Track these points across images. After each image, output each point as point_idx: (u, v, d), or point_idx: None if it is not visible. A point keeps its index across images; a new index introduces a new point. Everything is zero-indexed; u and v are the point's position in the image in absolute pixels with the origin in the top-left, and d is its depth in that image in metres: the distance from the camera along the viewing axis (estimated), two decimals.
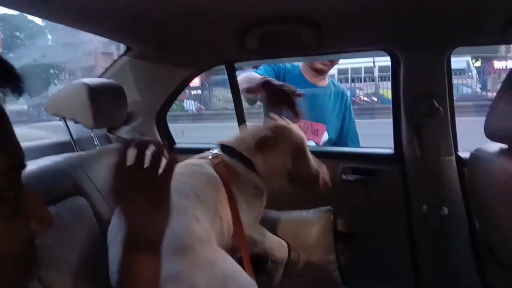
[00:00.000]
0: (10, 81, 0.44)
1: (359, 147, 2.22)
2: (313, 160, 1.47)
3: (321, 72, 2.22)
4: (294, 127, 1.50)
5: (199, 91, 15.59)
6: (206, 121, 12.77)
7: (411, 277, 1.73)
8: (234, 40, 1.53)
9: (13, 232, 0.43)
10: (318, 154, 1.74)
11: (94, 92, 1.47)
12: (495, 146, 1.25)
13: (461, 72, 11.15)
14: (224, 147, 1.45)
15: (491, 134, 1.19)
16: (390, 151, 1.83)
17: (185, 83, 2.04)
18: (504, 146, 1.19)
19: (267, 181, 1.43)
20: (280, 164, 1.42)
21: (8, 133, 0.44)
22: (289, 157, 1.42)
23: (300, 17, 1.37)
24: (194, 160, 1.45)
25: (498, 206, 1.23)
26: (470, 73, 11.51)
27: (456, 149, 1.67)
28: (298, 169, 1.43)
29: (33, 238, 0.46)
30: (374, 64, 12.46)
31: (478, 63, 12.27)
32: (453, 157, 1.65)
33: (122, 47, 1.89)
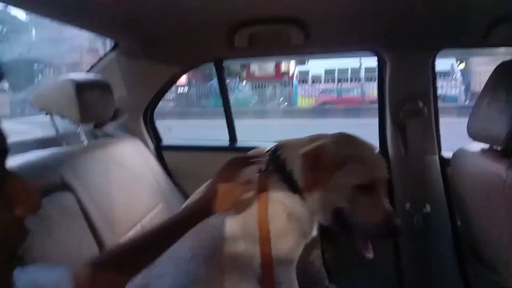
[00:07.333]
0: None
1: None
2: (386, 202, 1.06)
3: None
4: (370, 144, 1.15)
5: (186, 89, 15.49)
6: (193, 118, 12.69)
7: (393, 274, 1.76)
8: (223, 38, 1.54)
9: None
10: None
11: (81, 88, 1.46)
12: (477, 146, 1.28)
13: (446, 74, 11.32)
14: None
15: (474, 134, 1.23)
16: None
17: (173, 80, 2.04)
18: (486, 146, 1.23)
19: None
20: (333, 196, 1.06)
21: None
22: (349, 189, 1.03)
23: (289, 17, 1.39)
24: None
25: (479, 205, 1.26)
26: (454, 76, 11.70)
27: (439, 149, 1.71)
28: (358, 209, 1.04)
29: (21, 223, 0.46)
30: (360, 65, 12.56)
31: (462, 65, 12.47)
32: (437, 157, 1.68)
33: (108, 44, 1.88)
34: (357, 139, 1.13)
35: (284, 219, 1.12)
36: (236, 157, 1.14)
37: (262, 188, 1.12)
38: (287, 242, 1.12)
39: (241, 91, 14.50)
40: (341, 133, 1.14)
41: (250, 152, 1.23)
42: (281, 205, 1.12)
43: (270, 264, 1.06)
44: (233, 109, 2.05)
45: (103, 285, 0.77)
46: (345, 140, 1.11)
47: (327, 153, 1.05)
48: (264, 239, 1.07)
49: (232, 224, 1.11)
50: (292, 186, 1.12)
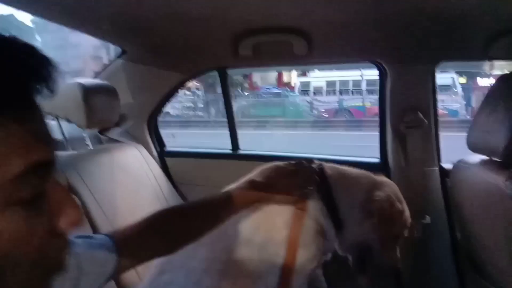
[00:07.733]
0: (47, 77, 0.41)
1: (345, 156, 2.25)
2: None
3: None
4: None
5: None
6: (195, 127, 12.64)
7: (392, 284, 1.75)
8: (227, 47, 1.56)
9: (34, 234, 0.38)
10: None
11: (88, 92, 1.48)
12: (477, 158, 1.30)
13: (447, 88, 11.34)
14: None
15: (473, 146, 1.25)
16: (376, 160, 1.88)
17: (177, 87, 2.07)
18: (485, 157, 1.25)
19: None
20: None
21: (37, 128, 0.41)
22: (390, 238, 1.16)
23: (292, 28, 1.42)
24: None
25: (478, 216, 1.28)
26: (455, 89, 11.73)
27: (439, 160, 1.72)
28: (385, 254, 1.18)
29: (63, 236, 0.42)
30: (362, 77, 12.58)
31: (463, 79, 12.47)
32: (437, 168, 1.70)
33: (112, 52, 1.91)
34: (398, 191, 1.19)
35: (313, 234, 1.12)
36: (284, 165, 1.16)
37: (302, 204, 1.12)
38: (308, 254, 1.12)
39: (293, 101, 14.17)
40: (389, 184, 1.20)
41: (292, 162, 1.19)
42: (315, 222, 1.12)
43: (291, 273, 1.06)
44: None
45: (139, 254, 0.79)
46: (396, 194, 1.17)
47: (390, 209, 1.11)
48: (291, 250, 1.07)
49: (252, 230, 1.09)
50: (334, 217, 1.14)
